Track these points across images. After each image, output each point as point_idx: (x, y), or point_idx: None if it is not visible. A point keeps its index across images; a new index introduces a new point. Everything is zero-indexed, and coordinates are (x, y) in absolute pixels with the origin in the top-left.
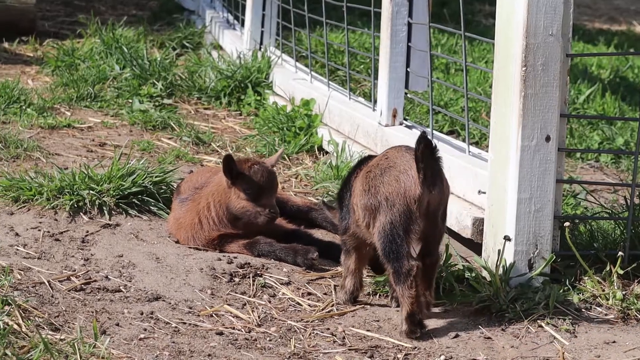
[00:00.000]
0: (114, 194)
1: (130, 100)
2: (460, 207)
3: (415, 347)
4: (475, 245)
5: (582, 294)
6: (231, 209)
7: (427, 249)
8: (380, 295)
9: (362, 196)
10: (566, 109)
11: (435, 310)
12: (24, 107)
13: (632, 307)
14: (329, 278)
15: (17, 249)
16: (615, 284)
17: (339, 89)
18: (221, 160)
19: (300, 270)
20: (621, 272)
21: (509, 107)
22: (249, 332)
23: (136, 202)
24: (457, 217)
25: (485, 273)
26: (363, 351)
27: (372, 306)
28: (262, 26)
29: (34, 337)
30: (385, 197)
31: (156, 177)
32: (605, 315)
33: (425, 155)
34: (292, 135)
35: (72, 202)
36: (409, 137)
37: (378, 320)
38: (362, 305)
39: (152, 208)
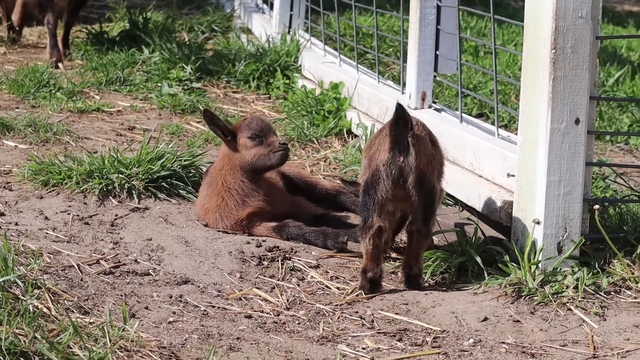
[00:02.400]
0: (143, 177)
1: (159, 84)
2: (490, 190)
3: (444, 330)
4: (504, 229)
5: (612, 277)
6: (245, 163)
7: (410, 219)
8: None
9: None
10: (596, 92)
11: (464, 292)
12: (53, 91)
13: None
14: (358, 261)
15: (47, 233)
16: None
17: (368, 72)
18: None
19: (330, 253)
20: None
21: (538, 89)
22: (278, 315)
23: (165, 185)
24: (486, 200)
25: (514, 256)
26: (392, 334)
27: (400, 290)
28: (291, 9)
29: (64, 320)
30: (367, 159)
31: (185, 160)
32: (635, 298)
33: (397, 125)
34: (321, 119)
35: (101, 185)
36: (438, 120)
37: (407, 304)
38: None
39: (181, 192)
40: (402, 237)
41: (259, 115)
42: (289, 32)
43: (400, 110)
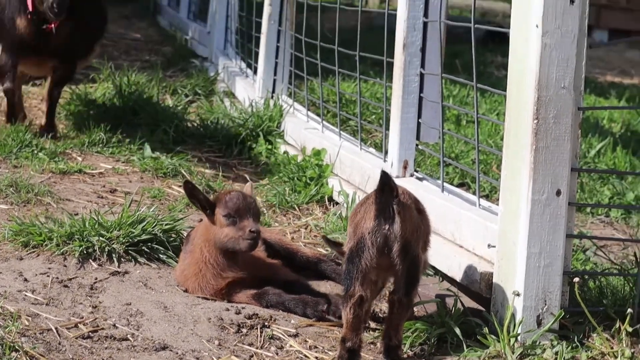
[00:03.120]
0: (124, 241)
1: (142, 147)
2: (470, 260)
3: None
4: (484, 300)
5: (591, 352)
6: (217, 241)
7: (393, 289)
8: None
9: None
10: (577, 163)
11: None
12: (35, 152)
13: None
14: (337, 330)
15: (26, 295)
16: (624, 342)
17: (351, 139)
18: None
19: (309, 321)
20: (630, 329)
21: (520, 160)
22: None
23: (145, 249)
24: (467, 271)
25: (494, 328)
26: None
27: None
28: (275, 74)
29: None
30: (352, 227)
31: (166, 225)
32: None
33: (382, 192)
34: (303, 185)
35: (81, 248)
36: (420, 189)
37: None
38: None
39: (162, 256)
40: (382, 306)
41: (240, 192)
42: (272, 97)
43: (385, 177)
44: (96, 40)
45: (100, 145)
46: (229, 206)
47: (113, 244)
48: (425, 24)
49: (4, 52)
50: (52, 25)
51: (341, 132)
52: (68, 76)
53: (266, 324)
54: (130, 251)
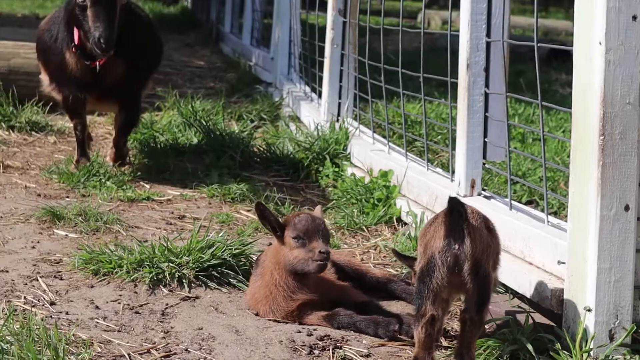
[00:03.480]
0: (194, 266)
1: (209, 173)
2: (540, 277)
3: None
4: (555, 316)
5: None
6: (287, 264)
7: (464, 307)
8: None
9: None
10: None
11: None
12: (103, 180)
13: None
14: (410, 350)
15: (97, 322)
16: None
17: (417, 159)
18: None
19: (381, 341)
20: None
21: (587, 176)
22: None
23: (215, 274)
24: (537, 287)
25: (566, 344)
26: None
27: None
28: (340, 98)
29: None
30: (422, 246)
31: (235, 249)
32: None
33: (452, 214)
34: (371, 207)
35: (151, 274)
36: (488, 208)
37: None
38: None
39: (232, 280)
40: (454, 325)
41: (309, 214)
42: (337, 120)
43: (453, 203)
44: (150, 73)
45: (168, 172)
46: (298, 228)
47: (183, 269)
48: (488, 44)
49: (61, 86)
50: (98, 62)
51: (407, 153)
52: (132, 118)
53: (338, 345)
54: (200, 276)
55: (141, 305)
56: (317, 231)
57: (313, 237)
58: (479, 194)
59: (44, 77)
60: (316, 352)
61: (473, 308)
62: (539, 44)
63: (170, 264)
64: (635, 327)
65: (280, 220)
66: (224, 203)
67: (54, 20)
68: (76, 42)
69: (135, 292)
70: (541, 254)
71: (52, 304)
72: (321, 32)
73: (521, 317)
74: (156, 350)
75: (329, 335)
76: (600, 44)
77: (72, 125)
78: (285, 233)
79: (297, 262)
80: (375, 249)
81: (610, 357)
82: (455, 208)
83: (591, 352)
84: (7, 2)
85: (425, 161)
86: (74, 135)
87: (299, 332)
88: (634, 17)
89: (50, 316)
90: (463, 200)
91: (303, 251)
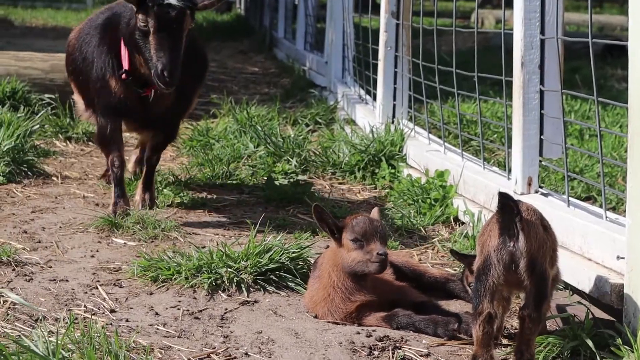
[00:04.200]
0: (252, 271)
1: (265, 178)
2: (599, 273)
3: None
4: (615, 312)
5: None
6: (345, 266)
7: (523, 304)
8: None
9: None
10: None
11: None
12: (160, 188)
13: None
14: (469, 349)
15: (157, 328)
16: None
17: (473, 159)
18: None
19: (441, 340)
20: None
21: None
22: None
23: (274, 278)
24: (596, 283)
25: (627, 339)
26: None
27: None
28: (394, 99)
29: None
30: (480, 246)
31: (293, 253)
32: None
33: (504, 211)
34: (428, 207)
35: (210, 280)
36: (545, 205)
37: None
38: None
39: (290, 284)
40: (514, 322)
41: (366, 216)
42: (392, 121)
43: (503, 197)
44: (197, 91)
45: (224, 178)
46: (356, 230)
47: (241, 274)
48: (542, 42)
49: (100, 114)
50: (151, 90)
51: (463, 152)
52: (170, 139)
53: (397, 345)
54: (258, 280)
55: (200, 311)
56: (374, 233)
57: (371, 239)
58: (536, 192)
59: (79, 100)
60: (375, 352)
61: (531, 305)
62: (593, 40)
63: (229, 269)
64: None
65: (337, 222)
66: (281, 207)
67: (88, 37)
68: (126, 66)
69: (194, 298)
70: (600, 249)
71: (112, 311)
72: (374, 34)
73: (581, 314)
74: (216, 355)
75: (388, 336)
76: None
77: (108, 161)
78: (343, 235)
79: (355, 264)
80: (432, 249)
81: None
82: (505, 203)
83: None
84: (62, 15)
85: (482, 160)
86: (111, 173)
87: (358, 333)
88: None
89: (111, 323)
90: (520, 197)
91: (361, 253)
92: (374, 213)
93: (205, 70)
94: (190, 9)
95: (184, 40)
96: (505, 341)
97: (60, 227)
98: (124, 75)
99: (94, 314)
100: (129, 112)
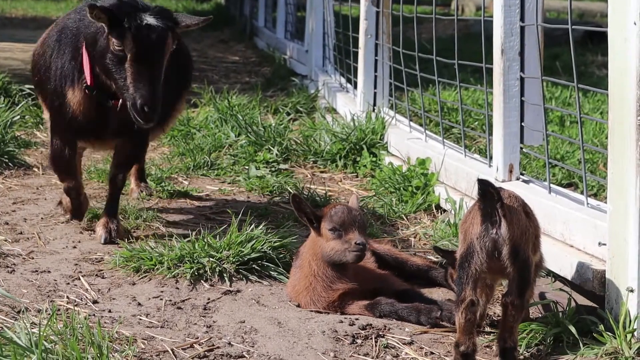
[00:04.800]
0: (234, 260)
1: (247, 167)
2: (581, 259)
3: None
4: (597, 298)
5: None
6: (324, 255)
7: (505, 291)
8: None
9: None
10: None
11: None
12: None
13: None
14: (452, 336)
15: (140, 319)
16: None
17: (454, 146)
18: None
19: (424, 328)
20: None
21: (625, 157)
22: None
23: (256, 267)
24: (578, 269)
25: (609, 325)
26: None
27: None
28: (375, 87)
29: None
30: (462, 233)
31: (275, 242)
32: None
33: (485, 199)
34: (409, 195)
35: (192, 270)
36: (527, 192)
37: None
38: None
39: (272, 273)
40: (497, 310)
41: (345, 205)
42: (373, 110)
43: (483, 184)
44: (178, 101)
45: (205, 168)
46: (334, 220)
47: (224, 264)
48: (522, 29)
49: (55, 134)
50: (119, 101)
51: (444, 140)
52: (137, 155)
53: (380, 333)
54: (241, 270)
55: (183, 301)
56: (353, 222)
57: (349, 228)
58: (517, 179)
59: (46, 115)
60: (359, 341)
61: (514, 292)
62: (573, 27)
63: (211, 259)
64: None
65: (316, 212)
66: (262, 196)
67: (52, 43)
68: (88, 82)
69: (177, 288)
70: (581, 236)
71: (94, 302)
72: (355, 22)
73: (563, 300)
74: (199, 344)
75: (371, 324)
76: (635, 24)
77: (63, 187)
78: (322, 225)
79: (333, 253)
80: (415, 237)
81: None
82: (485, 190)
83: (635, 333)
84: (42, 5)
85: (463, 148)
86: (67, 201)
87: (341, 322)
88: None
89: (93, 314)
90: (501, 185)
91: (339, 242)
92: (352, 201)
93: (189, 75)
94: (172, 30)
95: (164, 65)
96: (488, 328)
97: (42, 218)
98: (85, 90)
99: (76, 305)
100: (90, 127)
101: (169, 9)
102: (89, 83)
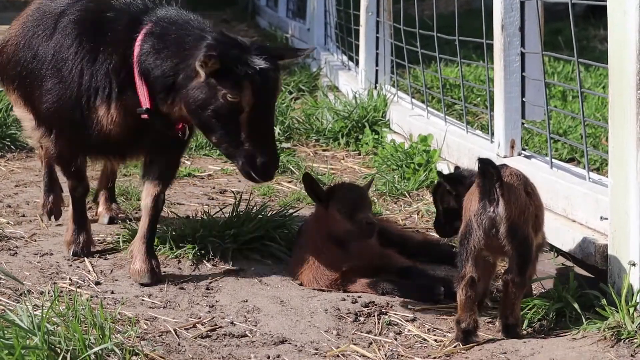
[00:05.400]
0: (236, 240)
1: None
2: (583, 234)
3: None
4: (600, 272)
5: None
6: (332, 233)
7: (507, 268)
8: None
9: None
10: None
11: (563, 339)
12: None
13: None
14: (455, 313)
15: (143, 300)
16: None
17: (456, 123)
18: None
19: (426, 305)
20: None
21: (626, 131)
22: None
23: (258, 247)
24: (581, 244)
25: (612, 299)
26: None
27: (498, 340)
28: (377, 65)
29: None
30: (463, 209)
31: (277, 221)
32: None
33: (484, 177)
34: (412, 172)
35: (194, 250)
36: (528, 167)
37: (505, 353)
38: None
39: (275, 252)
40: (500, 286)
41: (354, 184)
42: (375, 87)
43: (482, 163)
44: None
45: (208, 148)
46: (343, 200)
47: (226, 243)
48: (522, 4)
49: (63, 145)
50: (184, 126)
51: (446, 116)
52: (175, 171)
53: (383, 310)
54: (243, 249)
55: (185, 281)
56: (362, 202)
57: (359, 208)
58: (519, 154)
59: (25, 116)
60: (361, 319)
61: (514, 270)
62: (574, 1)
63: (213, 239)
64: None
65: (325, 191)
66: None
67: (72, 36)
68: (148, 105)
69: (179, 268)
70: (583, 210)
71: (97, 283)
72: (356, 0)
73: (566, 275)
74: (202, 324)
75: (373, 302)
76: None
77: (68, 185)
78: (331, 204)
79: (342, 232)
80: (417, 214)
81: None
82: (485, 169)
83: (638, 307)
84: None
85: (465, 124)
86: (70, 197)
87: (344, 299)
88: None
89: (96, 296)
90: (503, 160)
91: (349, 223)
92: (365, 184)
93: None
94: (279, 70)
95: None
96: (492, 304)
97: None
98: (146, 115)
99: (78, 287)
100: (112, 145)
101: (266, 44)
102: (149, 106)
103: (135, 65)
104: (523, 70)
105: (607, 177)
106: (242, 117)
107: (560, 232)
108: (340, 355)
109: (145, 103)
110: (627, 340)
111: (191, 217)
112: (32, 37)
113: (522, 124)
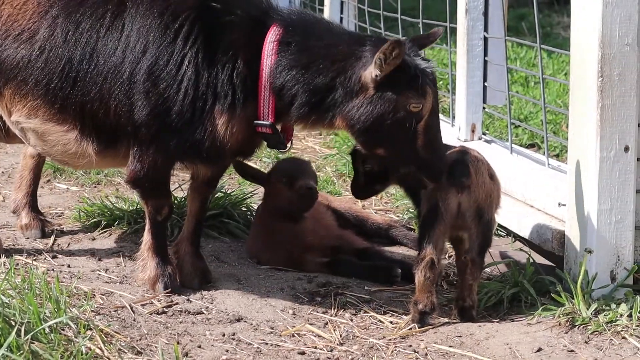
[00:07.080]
0: None
1: None
2: (541, 220)
3: None
4: (556, 258)
5: None
6: (277, 205)
7: (465, 249)
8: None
9: None
10: None
11: (518, 323)
12: None
13: None
14: (410, 294)
15: (99, 274)
16: None
17: None
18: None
19: (382, 286)
20: None
21: (586, 118)
22: (331, 351)
23: (216, 224)
24: (538, 230)
25: (567, 286)
26: None
27: (454, 323)
28: None
29: None
30: (427, 193)
31: (236, 199)
32: None
33: (454, 162)
34: None
35: None
36: (489, 152)
37: (460, 336)
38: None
39: (233, 229)
40: (455, 271)
41: (291, 157)
42: None
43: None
44: None
45: None
46: (281, 171)
47: (184, 219)
48: None
49: (160, 158)
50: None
51: None
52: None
53: (339, 291)
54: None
55: None
56: (300, 170)
57: (298, 176)
58: (480, 139)
59: (52, 129)
60: (318, 298)
61: (475, 250)
62: None
63: (172, 215)
64: (637, 267)
65: (262, 171)
66: None
67: (175, 29)
68: (271, 117)
69: (137, 244)
70: (542, 196)
71: (53, 257)
72: None
73: (522, 260)
74: (158, 300)
75: (330, 282)
76: None
77: (149, 208)
78: (272, 179)
79: (284, 202)
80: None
81: (612, 298)
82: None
83: (592, 293)
84: None
85: None
86: (149, 223)
87: (300, 279)
88: None
89: (52, 269)
90: (464, 144)
91: (289, 191)
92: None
93: None
94: None
95: None
96: (446, 287)
97: (2, 172)
98: (267, 129)
99: (35, 260)
100: (219, 154)
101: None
102: (272, 120)
103: (266, 78)
104: (486, 54)
105: (566, 163)
106: (420, 126)
107: (519, 217)
108: (295, 334)
109: (268, 117)
110: (582, 326)
111: None
112: (84, 31)
113: (484, 108)
